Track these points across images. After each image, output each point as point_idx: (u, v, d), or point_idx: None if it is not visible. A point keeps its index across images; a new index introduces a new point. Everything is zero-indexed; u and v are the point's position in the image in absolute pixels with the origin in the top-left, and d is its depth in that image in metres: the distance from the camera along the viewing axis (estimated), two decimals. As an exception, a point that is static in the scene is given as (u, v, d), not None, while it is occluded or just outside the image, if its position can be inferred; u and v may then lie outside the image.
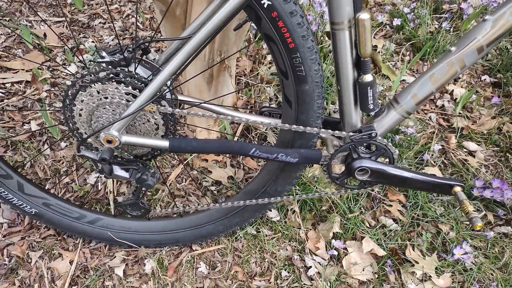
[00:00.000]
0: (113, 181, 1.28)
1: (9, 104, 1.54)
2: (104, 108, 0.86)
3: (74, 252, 1.15)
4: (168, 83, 0.81)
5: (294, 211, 1.25)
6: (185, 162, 1.37)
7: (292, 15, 0.76)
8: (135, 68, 0.86)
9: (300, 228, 1.22)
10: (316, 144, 0.96)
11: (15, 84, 1.65)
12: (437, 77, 0.87)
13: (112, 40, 1.87)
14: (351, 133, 0.89)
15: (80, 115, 0.88)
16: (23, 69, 1.73)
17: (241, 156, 1.40)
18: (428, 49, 1.84)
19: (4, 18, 1.93)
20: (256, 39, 1.73)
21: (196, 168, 1.37)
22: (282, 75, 0.85)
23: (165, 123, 0.89)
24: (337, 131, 0.89)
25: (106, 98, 0.84)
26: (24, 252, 1.14)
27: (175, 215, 1.20)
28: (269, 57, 1.63)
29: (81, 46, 1.84)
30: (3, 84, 1.64)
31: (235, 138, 1.44)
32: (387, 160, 0.95)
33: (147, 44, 0.88)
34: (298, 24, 0.77)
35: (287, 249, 1.19)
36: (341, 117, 0.92)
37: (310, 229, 1.23)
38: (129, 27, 1.94)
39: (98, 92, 0.84)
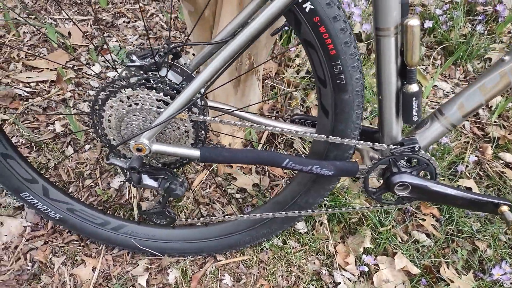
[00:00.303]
0: (136, 186, 1.25)
1: (33, 104, 1.54)
2: (135, 115, 0.82)
3: (97, 259, 1.12)
4: (202, 90, 0.77)
5: (322, 223, 1.20)
6: (210, 169, 1.33)
7: (335, 20, 0.71)
8: (167, 73, 0.83)
9: (328, 241, 1.17)
10: (352, 156, 0.91)
11: (39, 84, 1.64)
12: (488, 88, 0.81)
13: (136, 40, 1.85)
14: (392, 146, 0.84)
15: (109, 121, 0.85)
16: (48, 68, 1.73)
17: (266, 163, 1.36)
18: (461, 53, 1.76)
19: (29, 16, 1.93)
20: (282, 40, 1.69)
21: (220, 174, 1.34)
22: (320, 83, 0.80)
23: (195, 131, 0.86)
24: (377, 144, 0.84)
25: (137, 104, 0.81)
26: (47, 257, 1.12)
27: (199, 224, 1.16)
28: (297, 61, 1.58)
29: (105, 46, 1.83)
30: (28, 83, 1.63)
31: (260, 146, 1.39)
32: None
33: (178, 48, 0.85)
34: (341, 29, 0.72)
35: (314, 263, 1.14)
36: (381, 128, 0.86)
37: (339, 243, 1.18)
38: (153, 26, 1.92)
39: (128, 98, 0.81)
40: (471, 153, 1.42)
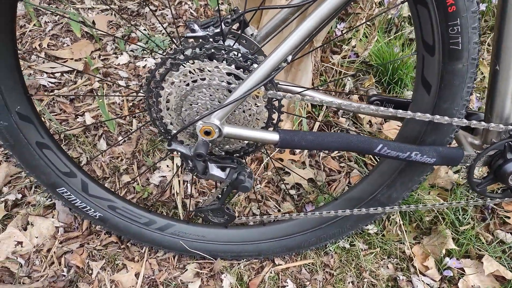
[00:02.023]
0: (179, 181, 1.12)
1: (60, 95, 1.41)
2: (200, 92, 0.69)
3: (140, 263, 0.99)
4: (289, 58, 0.63)
5: (393, 222, 1.05)
6: (264, 162, 1.19)
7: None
8: (238, 43, 0.70)
9: (401, 243, 1.03)
10: (452, 141, 0.76)
11: (64, 74, 1.52)
12: None
13: (165, 28, 1.72)
14: (511, 127, 0.70)
15: (167, 101, 0.71)
16: (72, 58, 1.61)
17: (320, 155, 1.22)
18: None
19: (50, 5, 1.81)
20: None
21: (270, 168, 1.20)
22: (426, 50, 0.67)
23: (268, 111, 0.72)
24: (492, 125, 0.70)
25: (203, 79, 0.68)
26: (84, 262, 0.99)
27: (254, 223, 1.03)
28: (346, 46, 1.44)
29: (133, 34, 1.71)
30: (53, 73, 1.51)
31: (315, 127, 1.25)
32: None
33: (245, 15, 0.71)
34: (463, -20, 0.58)
35: (388, 267, 1.00)
36: (490, 106, 0.72)
37: (414, 244, 1.03)
38: (183, 14, 1.79)
39: (192, 72, 0.68)
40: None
